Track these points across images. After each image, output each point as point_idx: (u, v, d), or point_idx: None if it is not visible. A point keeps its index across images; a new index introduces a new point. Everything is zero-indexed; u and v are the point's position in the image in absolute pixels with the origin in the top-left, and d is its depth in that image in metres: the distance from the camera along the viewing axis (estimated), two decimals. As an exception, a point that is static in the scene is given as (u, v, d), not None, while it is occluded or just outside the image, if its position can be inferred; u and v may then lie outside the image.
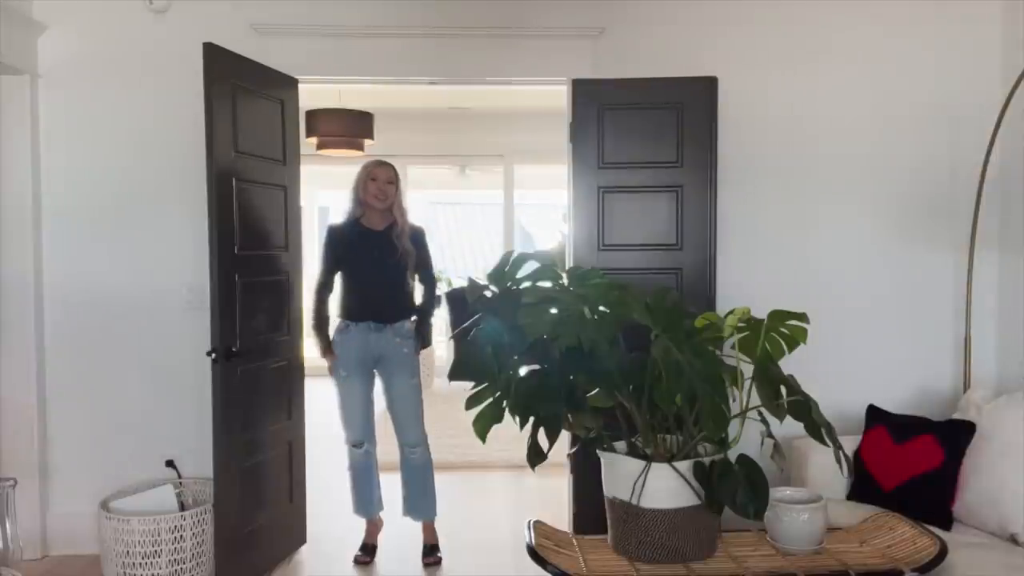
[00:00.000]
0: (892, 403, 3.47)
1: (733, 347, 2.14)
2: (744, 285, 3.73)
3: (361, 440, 3.80)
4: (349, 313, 3.76)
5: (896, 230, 3.84)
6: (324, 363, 3.84)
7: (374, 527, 3.89)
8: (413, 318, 3.82)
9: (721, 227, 3.71)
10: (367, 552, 3.80)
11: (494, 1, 3.79)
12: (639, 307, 2.09)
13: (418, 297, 3.89)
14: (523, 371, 2.16)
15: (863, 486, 3.16)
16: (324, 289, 3.83)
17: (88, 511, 3.60)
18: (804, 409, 2.06)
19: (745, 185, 3.80)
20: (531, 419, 2.12)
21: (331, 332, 3.81)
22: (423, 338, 3.85)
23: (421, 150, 8.16)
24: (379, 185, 3.72)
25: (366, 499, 3.87)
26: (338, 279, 3.81)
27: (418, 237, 3.84)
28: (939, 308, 3.83)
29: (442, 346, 8.61)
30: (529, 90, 5.21)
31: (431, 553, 3.76)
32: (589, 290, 2.12)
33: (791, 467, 3.37)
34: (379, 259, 3.72)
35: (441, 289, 4.30)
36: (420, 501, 3.82)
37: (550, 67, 3.82)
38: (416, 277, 3.84)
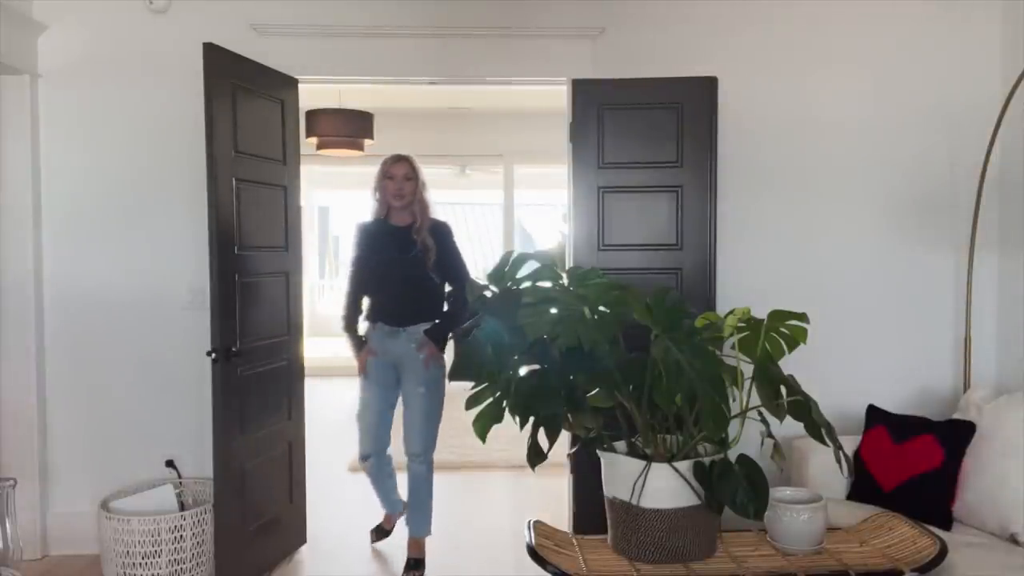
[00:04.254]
0: (892, 403, 3.47)
1: (733, 347, 2.14)
2: (744, 285, 3.73)
3: (367, 453, 3.74)
4: (368, 315, 3.71)
5: (896, 230, 3.84)
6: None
7: (390, 517, 3.98)
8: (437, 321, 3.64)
9: (721, 227, 3.71)
10: (380, 533, 3.96)
11: (494, 1, 3.79)
12: (639, 307, 2.09)
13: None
14: (523, 371, 2.16)
15: (863, 486, 3.16)
16: (354, 290, 3.74)
17: (88, 511, 3.60)
18: (804, 409, 2.06)
19: (745, 185, 3.80)
20: (531, 419, 2.12)
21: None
22: (435, 339, 3.58)
23: (421, 150, 8.07)
24: (397, 184, 3.60)
25: (383, 499, 3.93)
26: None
27: (439, 232, 3.63)
28: (939, 308, 3.83)
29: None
30: (529, 90, 5.22)
31: (413, 568, 3.61)
32: (589, 290, 2.12)
33: (791, 467, 3.37)
34: (396, 257, 3.58)
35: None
36: (413, 514, 3.68)
37: (550, 67, 3.82)
38: (442, 277, 3.64)
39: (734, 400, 2.08)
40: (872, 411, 3.36)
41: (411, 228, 3.60)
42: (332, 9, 3.77)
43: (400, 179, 3.60)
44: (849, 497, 3.19)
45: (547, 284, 2.20)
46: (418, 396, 3.56)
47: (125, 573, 3.34)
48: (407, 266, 3.56)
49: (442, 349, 3.58)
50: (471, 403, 2.15)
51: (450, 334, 3.58)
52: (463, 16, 3.78)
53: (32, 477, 3.69)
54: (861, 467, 3.20)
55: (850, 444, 3.21)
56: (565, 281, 2.20)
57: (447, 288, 3.68)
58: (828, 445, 2.06)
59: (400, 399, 3.68)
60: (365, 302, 3.73)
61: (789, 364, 2.12)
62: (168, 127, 3.74)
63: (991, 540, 2.80)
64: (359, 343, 3.70)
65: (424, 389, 3.56)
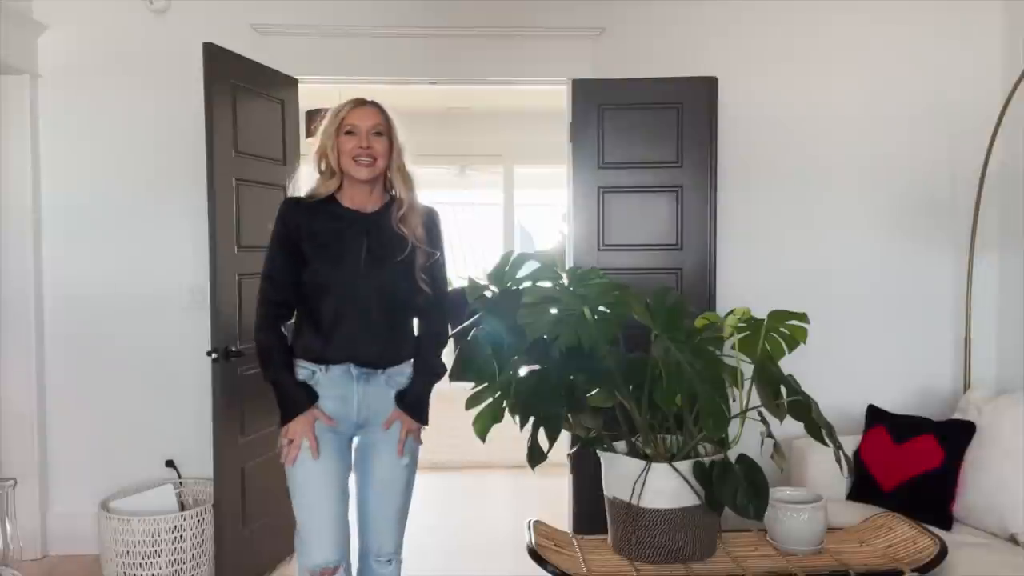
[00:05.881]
0: (892, 403, 3.47)
1: (733, 347, 2.14)
2: (744, 285, 3.73)
3: (334, 560, 2.29)
4: (317, 352, 2.31)
5: (896, 230, 3.84)
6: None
7: None
8: None
9: (721, 227, 3.71)
10: None
11: (494, 1, 3.79)
12: (639, 307, 2.09)
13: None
14: (523, 371, 2.16)
15: (863, 486, 3.16)
16: (277, 308, 2.34)
17: (88, 511, 3.60)
18: (804, 409, 2.06)
19: (745, 185, 3.80)
20: (531, 419, 2.12)
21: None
22: (417, 409, 2.38)
23: (421, 150, 8.06)
24: (362, 140, 2.29)
25: None
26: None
27: (432, 224, 2.41)
28: (939, 308, 3.83)
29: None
30: (529, 90, 5.21)
31: None
32: (589, 290, 2.12)
33: (791, 467, 3.37)
34: (368, 261, 2.30)
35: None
36: None
37: (550, 67, 3.82)
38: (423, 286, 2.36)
39: (734, 400, 2.08)
40: (872, 411, 3.36)
41: (386, 214, 2.35)
42: (332, 9, 3.77)
43: (366, 134, 2.29)
44: (849, 497, 3.19)
45: (547, 284, 2.20)
46: (400, 470, 2.38)
47: (125, 573, 3.34)
48: (393, 275, 2.31)
49: (427, 419, 2.42)
50: (471, 403, 2.15)
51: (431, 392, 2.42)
52: (463, 16, 3.77)
53: (32, 477, 3.69)
54: (861, 467, 3.20)
55: (850, 444, 3.21)
56: (565, 281, 2.20)
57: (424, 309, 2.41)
58: (828, 445, 2.06)
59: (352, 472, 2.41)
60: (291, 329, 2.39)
61: (789, 364, 2.12)
62: (168, 127, 3.74)
63: (991, 540, 2.80)
64: (301, 396, 2.28)
65: (409, 459, 2.39)
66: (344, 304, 2.29)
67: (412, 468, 2.42)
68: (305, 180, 2.42)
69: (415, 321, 2.44)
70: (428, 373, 2.41)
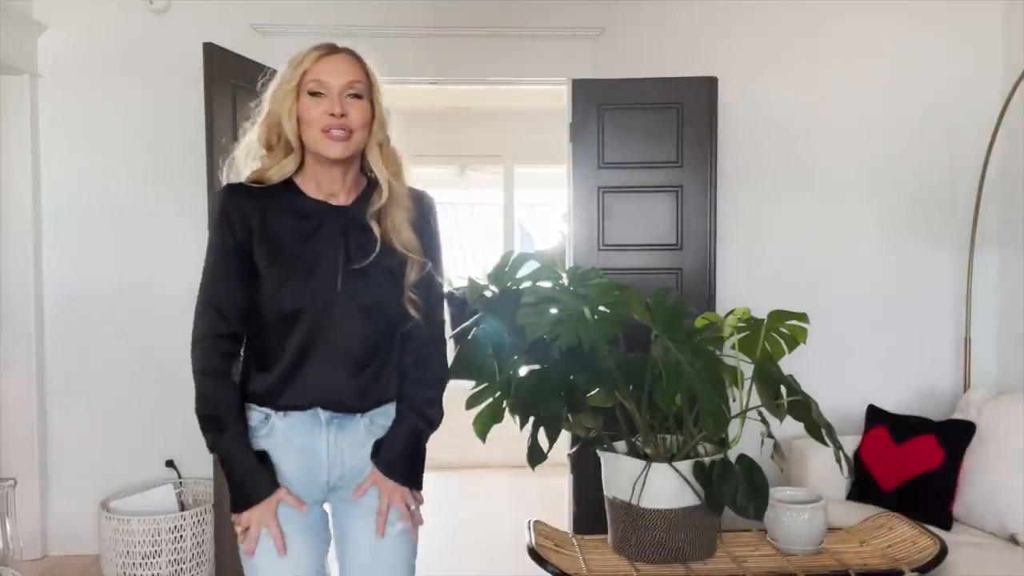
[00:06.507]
0: (892, 403, 3.47)
1: (733, 347, 2.14)
2: (744, 285, 3.73)
3: None
4: (273, 396, 1.70)
5: (896, 230, 3.84)
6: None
7: None
8: None
9: (721, 227, 3.71)
10: None
11: (494, 1, 3.79)
12: (639, 307, 2.09)
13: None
14: (523, 371, 2.16)
15: (863, 486, 3.16)
16: (226, 345, 1.75)
17: (88, 511, 3.60)
18: (804, 409, 2.06)
19: (745, 185, 3.80)
20: (531, 419, 2.12)
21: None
22: (390, 459, 1.75)
23: (421, 150, 8.07)
24: (332, 104, 1.64)
25: None
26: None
27: (425, 215, 1.78)
28: (939, 308, 3.83)
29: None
30: (529, 90, 5.22)
31: None
32: (589, 290, 2.11)
33: (791, 467, 3.37)
34: (348, 273, 1.68)
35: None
36: None
37: (550, 67, 3.82)
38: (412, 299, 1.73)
39: (734, 400, 2.08)
40: (872, 411, 3.36)
41: (364, 206, 1.71)
42: (332, 9, 3.77)
43: (339, 95, 1.65)
44: (849, 497, 3.19)
45: (547, 284, 2.20)
46: (394, 542, 1.79)
47: (125, 573, 3.34)
48: (379, 290, 1.70)
49: (418, 481, 1.84)
50: (471, 403, 2.15)
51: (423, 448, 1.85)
52: (463, 16, 3.77)
53: (32, 477, 3.69)
54: (861, 467, 3.20)
55: (850, 444, 3.22)
56: (565, 281, 2.20)
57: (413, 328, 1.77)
58: (828, 445, 2.06)
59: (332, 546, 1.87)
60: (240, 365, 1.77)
61: (789, 364, 2.12)
62: (168, 127, 3.74)
63: (991, 540, 2.80)
64: (260, 480, 1.66)
65: (404, 524, 1.79)
66: (315, 334, 1.66)
67: (407, 534, 1.80)
68: (245, 161, 1.72)
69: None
70: (416, 417, 1.76)
